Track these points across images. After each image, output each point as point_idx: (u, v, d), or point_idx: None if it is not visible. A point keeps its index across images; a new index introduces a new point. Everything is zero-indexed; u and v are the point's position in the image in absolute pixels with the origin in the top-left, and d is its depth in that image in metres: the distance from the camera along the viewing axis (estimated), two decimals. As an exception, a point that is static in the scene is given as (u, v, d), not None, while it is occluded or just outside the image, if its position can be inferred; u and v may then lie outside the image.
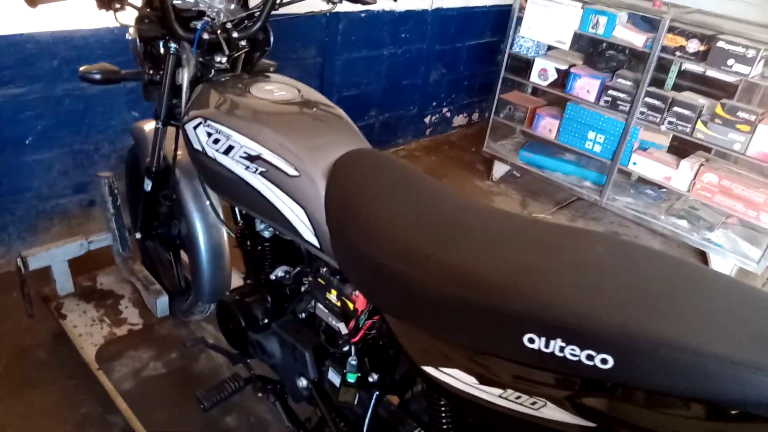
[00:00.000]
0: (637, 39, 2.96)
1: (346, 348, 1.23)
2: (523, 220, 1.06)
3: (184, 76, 1.44)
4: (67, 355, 1.96)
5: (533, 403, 0.84)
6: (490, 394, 0.89)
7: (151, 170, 1.75)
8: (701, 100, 2.94)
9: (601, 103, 3.15)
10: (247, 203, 1.33)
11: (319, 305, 1.30)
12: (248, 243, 1.50)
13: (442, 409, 1.06)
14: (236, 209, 1.57)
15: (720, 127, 2.81)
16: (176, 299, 2.10)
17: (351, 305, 1.20)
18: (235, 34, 1.47)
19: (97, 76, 1.51)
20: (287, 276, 1.41)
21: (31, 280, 2.01)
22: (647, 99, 3.00)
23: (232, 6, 1.49)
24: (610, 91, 3.11)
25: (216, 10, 1.45)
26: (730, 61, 2.69)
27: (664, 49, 2.87)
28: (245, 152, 1.25)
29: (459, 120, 4.40)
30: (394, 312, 1.05)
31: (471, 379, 0.91)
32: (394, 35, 3.52)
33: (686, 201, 3.24)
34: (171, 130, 1.68)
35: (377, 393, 1.19)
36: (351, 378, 1.22)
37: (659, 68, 3.04)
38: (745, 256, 2.90)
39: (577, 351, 0.75)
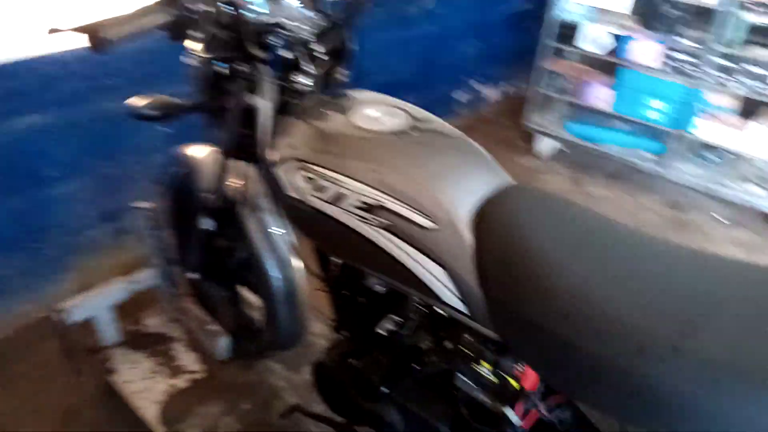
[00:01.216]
0: (705, -7, 2.67)
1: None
2: (734, 263, 0.82)
3: (264, 106, 1.17)
4: (122, 416, 1.74)
5: None
6: None
7: (211, 208, 1.49)
8: (775, 56, 2.67)
9: (663, 66, 2.87)
10: (362, 260, 1.08)
11: (461, 376, 1.07)
12: (347, 292, 1.26)
13: None
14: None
15: (802, 85, 2.55)
16: (239, 340, 1.86)
17: (515, 383, 0.96)
18: (320, 48, 1.20)
19: (154, 113, 1.25)
20: (403, 331, 1.17)
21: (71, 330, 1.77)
22: (715, 59, 2.72)
23: (308, 13, 1.21)
24: (674, 53, 2.83)
25: (292, 20, 1.17)
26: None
27: (741, 5, 2.58)
28: (362, 202, 1.00)
29: (494, 95, 4.10)
30: (586, 398, 0.83)
31: None
32: (423, 10, 3.20)
33: (753, 164, 2.99)
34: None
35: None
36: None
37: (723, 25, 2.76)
38: (832, 222, 2.68)
39: None
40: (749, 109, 2.87)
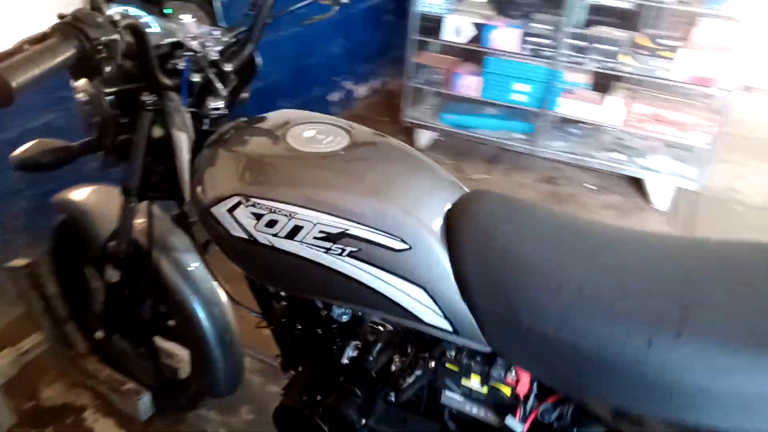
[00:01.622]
0: (551, -20, 2.86)
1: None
2: (712, 244, 0.88)
3: (180, 137, 1.04)
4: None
5: None
6: None
7: (118, 257, 1.32)
8: (617, 33, 2.94)
9: (523, 51, 3.04)
10: (326, 293, 1.01)
11: (448, 393, 1.04)
12: (299, 326, 1.18)
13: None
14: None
15: (645, 57, 2.83)
16: (160, 395, 1.69)
17: (507, 390, 0.96)
18: (228, 67, 1.09)
19: (44, 160, 1.07)
20: (372, 356, 1.12)
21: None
22: (569, 41, 2.93)
23: (207, 28, 1.09)
24: (531, 38, 3.00)
25: (194, 38, 1.05)
26: (650, -9, 2.68)
27: (583, -14, 2.80)
28: (322, 232, 0.93)
29: (362, 91, 4.10)
30: (588, 394, 0.85)
31: None
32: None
33: (611, 134, 3.29)
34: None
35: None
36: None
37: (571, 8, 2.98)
38: (683, 175, 3.01)
39: None
40: (602, 83, 3.14)
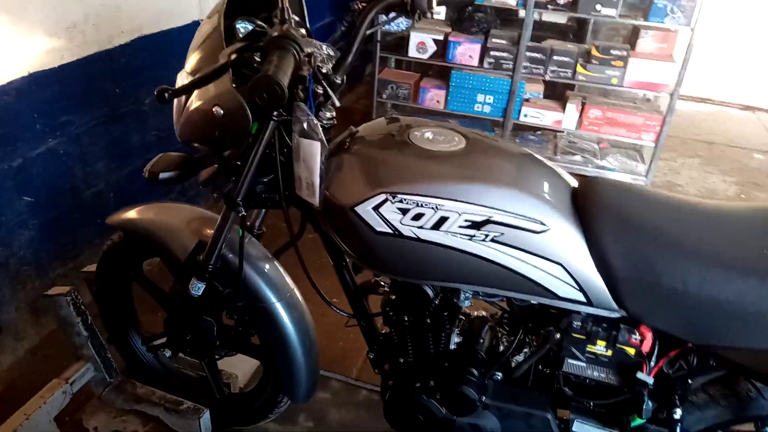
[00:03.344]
0: (510, -2, 3.09)
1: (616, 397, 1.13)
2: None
3: (315, 148, 1.09)
4: None
5: None
6: None
7: (206, 269, 1.33)
8: (570, 46, 3.22)
9: (485, 65, 3.25)
10: (463, 278, 1.10)
11: (571, 361, 1.15)
12: (406, 318, 1.25)
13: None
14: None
15: (597, 67, 3.12)
16: (223, 410, 1.68)
17: (632, 350, 1.09)
18: (338, 79, 1.16)
19: (174, 173, 1.09)
20: (480, 339, 1.22)
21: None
22: (528, 53, 3.18)
23: (317, 42, 1.16)
24: (492, 52, 3.22)
25: (309, 46, 1.11)
26: (598, 6, 2.98)
27: (537, 4, 3.05)
28: (467, 220, 1.02)
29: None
30: (708, 339, 1.00)
31: None
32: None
33: (565, 138, 3.57)
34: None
35: (679, 427, 1.11)
36: (638, 422, 1.13)
37: (516, 22, 3.24)
38: (634, 171, 3.33)
39: None
40: (555, 92, 3.42)
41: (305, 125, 1.08)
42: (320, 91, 1.12)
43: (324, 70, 1.14)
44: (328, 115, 1.16)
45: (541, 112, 3.32)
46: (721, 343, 1.00)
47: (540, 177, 1.10)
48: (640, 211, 1.06)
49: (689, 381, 1.10)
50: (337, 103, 1.16)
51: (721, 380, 1.13)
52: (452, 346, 1.25)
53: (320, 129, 1.08)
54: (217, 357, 1.56)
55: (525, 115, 3.35)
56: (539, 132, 3.56)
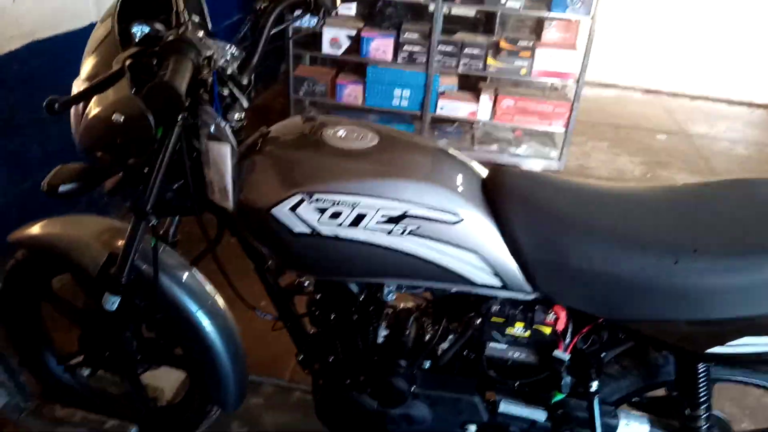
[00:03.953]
0: (420, -7, 3.13)
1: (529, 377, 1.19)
2: (697, 187, 1.15)
3: (224, 152, 1.06)
4: None
5: None
6: None
7: (119, 283, 1.27)
8: (479, 38, 3.31)
9: (399, 59, 3.29)
10: (384, 273, 1.11)
11: (493, 345, 1.19)
12: (332, 316, 1.25)
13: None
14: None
15: (506, 58, 3.22)
16: (151, 424, 1.62)
17: (548, 329, 1.13)
18: (245, 80, 1.14)
19: (74, 186, 1.03)
20: (405, 331, 1.24)
21: None
22: (440, 47, 3.24)
23: (222, 43, 1.13)
24: (405, 47, 3.26)
25: (208, 48, 1.08)
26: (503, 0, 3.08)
27: (445, -1, 3.11)
28: (384, 216, 1.04)
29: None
30: (621, 314, 1.06)
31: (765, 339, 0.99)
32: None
33: (481, 128, 3.67)
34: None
35: (597, 399, 1.17)
36: (558, 398, 1.18)
37: (426, 16, 3.29)
38: (547, 157, 3.47)
39: None
40: (468, 84, 3.50)
41: (212, 128, 1.06)
42: (226, 93, 1.10)
43: (229, 72, 1.12)
44: (237, 116, 1.13)
45: (457, 105, 3.40)
46: (626, 316, 1.06)
47: (451, 169, 1.13)
48: (546, 197, 1.11)
49: (602, 354, 1.16)
50: (246, 104, 1.14)
51: (631, 351, 1.20)
52: (380, 340, 1.26)
53: (229, 131, 1.06)
54: (139, 371, 1.50)
55: (441, 108, 3.41)
56: (456, 124, 3.63)
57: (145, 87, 0.93)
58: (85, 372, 1.46)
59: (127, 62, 0.98)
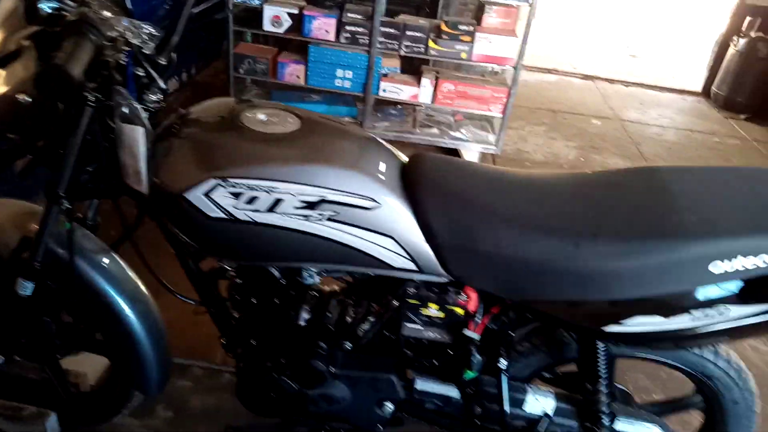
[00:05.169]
0: (361, -27, 3.11)
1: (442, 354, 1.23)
2: (583, 175, 1.20)
3: (137, 134, 1.05)
4: None
5: None
6: (677, 323, 1.06)
7: (32, 267, 1.24)
8: (422, 21, 3.32)
9: (342, 40, 3.27)
10: (306, 257, 1.13)
11: (410, 325, 1.22)
12: (253, 300, 1.27)
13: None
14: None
15: (447, 42, 3.25)
16: (70, 411, 1.60)
17: (460, 310, 1.18)
18: (162, 60, 1.13)
19: None
20: (327, 313, 1.26)
21: None
22: (382, 28, 3.23)
23: (137, 22, 1.11)
24: (347, 27, 3.24)
25: (118, 27, 1.06)
26: (446, -17, 3.09)
27: (388, -22, 3.10)
28: (302, 201, 1.05)
29: (171, 85, 3.97)
30: (526, 295, 1.12)
31: (658, 319, 1.06)
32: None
33: (423, 111, 3.70)
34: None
35: (507, 376, 1.23)
36: (470, 375, 1.23)
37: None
38: (485, 141, 3.54)
39: None
40: (410, 67, 3.52)
41: (126, 110, 1.04)
42: (141, 73, 1.08)
43: (147, 51, 1.10)
44: (154, 98, 1.12)
45: (399, 87, 3.41)
46: (531, 297, 1.11)
47: (371, 155, 1.15)
48: (459, 183, 1.14)
49: (511, 333, 1.22)
50: (163, 86, 1.13)
51: (539, 330, 1.27)
52: (302, 323, 1.28)
53: (142, 113, 1.05)
54: (59, 357, 1.47)
55: (384, 90, 3.42)
56: (400, 106, 3.65)
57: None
58: (0, 359, 1.42)
59: (25, 42, 0.96)
